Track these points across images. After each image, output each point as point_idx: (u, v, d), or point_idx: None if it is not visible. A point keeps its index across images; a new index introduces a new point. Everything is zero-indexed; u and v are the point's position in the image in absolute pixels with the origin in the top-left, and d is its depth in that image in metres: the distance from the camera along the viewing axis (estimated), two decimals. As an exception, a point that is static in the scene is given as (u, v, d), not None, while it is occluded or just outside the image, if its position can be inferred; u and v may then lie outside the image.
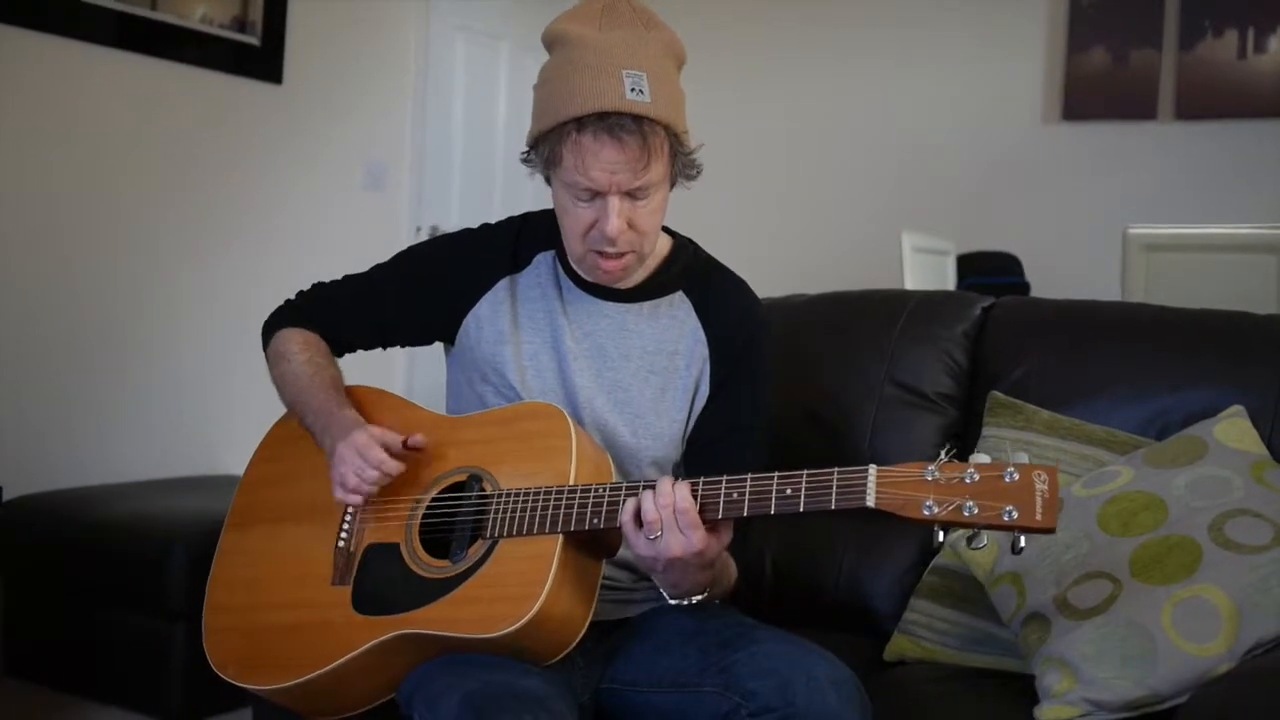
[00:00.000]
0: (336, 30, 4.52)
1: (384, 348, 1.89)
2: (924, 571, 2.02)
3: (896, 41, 5.47)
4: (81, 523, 3.11)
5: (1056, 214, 5.11)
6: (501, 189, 5.28)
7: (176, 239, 3.95)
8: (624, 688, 1.63)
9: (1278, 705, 1.50)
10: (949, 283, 4.46)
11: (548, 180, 1.67)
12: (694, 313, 1.75)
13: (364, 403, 1.77)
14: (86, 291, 3.70)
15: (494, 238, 1.81)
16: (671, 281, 1.76)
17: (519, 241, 1.79)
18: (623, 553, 1.62)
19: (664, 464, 1.73)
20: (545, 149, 1.61)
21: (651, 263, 1.74)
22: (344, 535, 1.65)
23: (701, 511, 1.44)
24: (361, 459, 1.59)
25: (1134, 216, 3.64)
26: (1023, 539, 1.32)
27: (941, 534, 1.35)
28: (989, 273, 4.81)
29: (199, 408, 4.02)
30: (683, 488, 1.45)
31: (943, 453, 1.37)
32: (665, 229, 1.76)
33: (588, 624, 1.55)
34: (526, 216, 1.83)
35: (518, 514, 1.54)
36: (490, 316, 1.75)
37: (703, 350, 1.74)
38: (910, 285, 3.89)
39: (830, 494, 1.38)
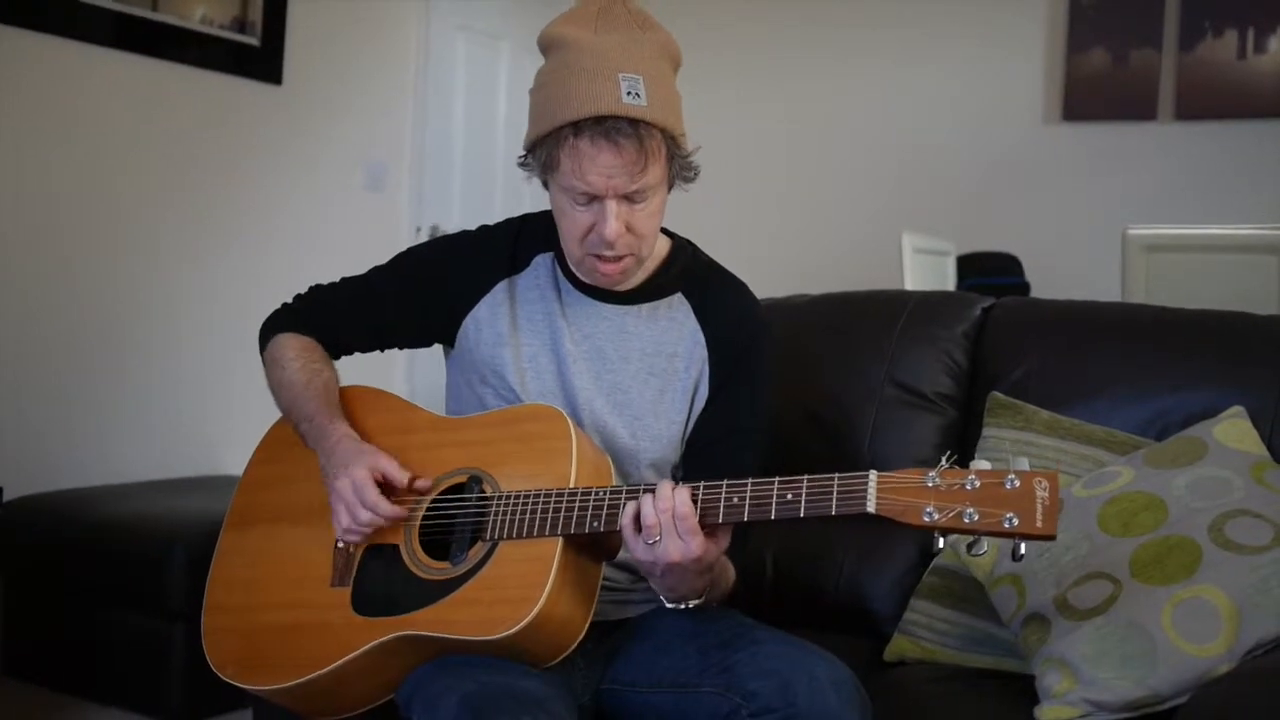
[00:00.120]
0: (336, 31, 4.52)
1: (382, 349, 1.89)
2: (924, 572, 2.02)
3: (896, 42, 5.47)
4: (82, 523, 3.10)
5: (1057, 214, 5.11)
6: (502, 189, 5.28)
7: (176, 239, 3.95)
8: (624, 688, 1.63)
9: (1278, 706, 1.50)
10: (949, 283, 4.46)
11: (545, 184, 1.66)
12: (693, 314, 1.75)
13: (363, 403, 1.77)
14: (86, 291, 3.70)
15: (492, 239, 1.81)
16: (670, 283, 1.76)
17: (517, 243, 1.79)
18: (622, 554, 1.62)
19: (663, 466, 1.73)
20: (542, 153, 1.60)
21: (650, 265, 1.74)
22: (343, 536, 1.65)
23: (702, 517, 1.44)
24: (358, 499, 1.58)
25: (1134, 217, 3.63)
26: (1023, 546, 1.32)
27: (941, 540, 1.34)
28: (989, 273, 4.81)
29: (199, 408, 4.02)
30: (682, 493, 1.45)
31: (944, 459, 1.37)
32: (664, 231, 1.76)
33: (587, 626, 1.55)
34: (525, 218, 1.83)
35: (518, 516, 1.54)
36: (489, 318, 1.75)
37: (702, 352, 1.73)
38: (910, 286, 3.89)
39: (831, 499, 1.38)
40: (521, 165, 1.67)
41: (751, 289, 1.82)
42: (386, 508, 1.58)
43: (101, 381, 3.74)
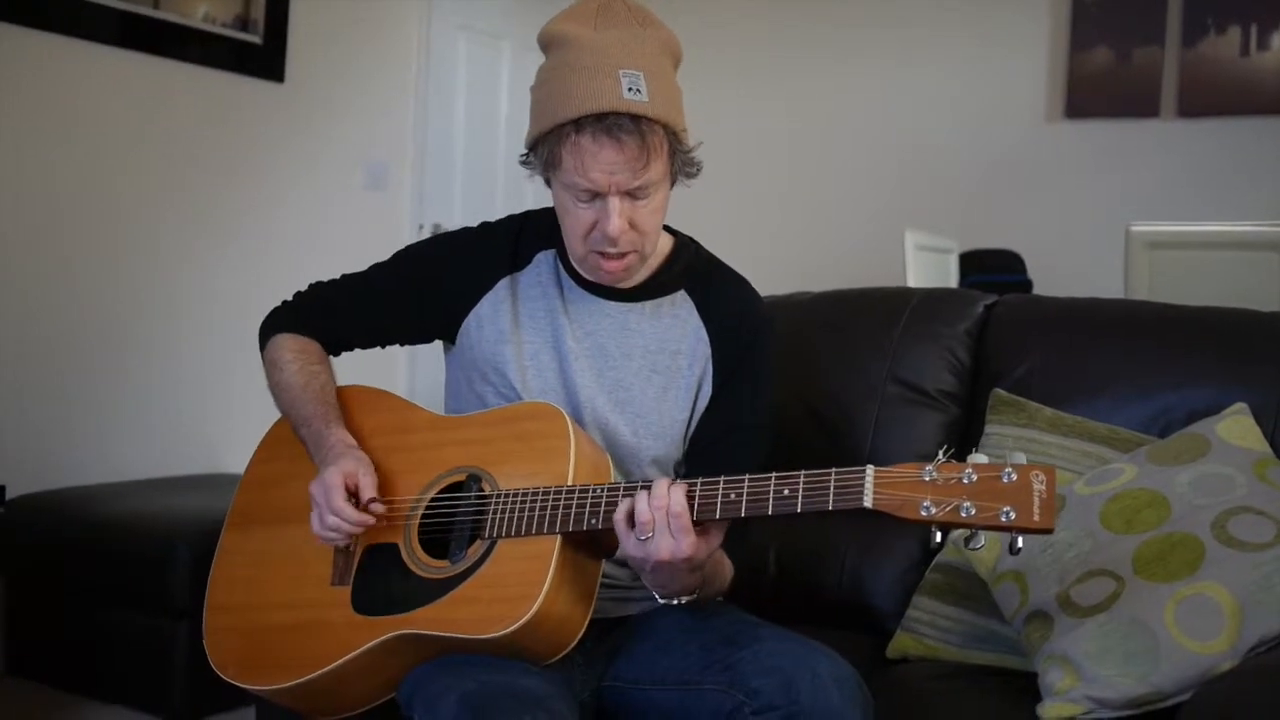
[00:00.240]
0: (338, 29, 4.52)
1: (382, 346, 1.88)
2: (926, 569, 2.02)
3: (899, 40, 5.47)
4: (83, 522, 3.10)
5: (1059, 212, 5.11)
6: (503, 188, 5.28)
7: (176, 239, 3.95)
8: (626, 686, 1.63)
9: (1281, 703, 1.50)
10: (952, 280, 4.45)
11: (547, 182, 1.66)
12: (696, 312, 1.75)
13: (362, 403, 1.77)
14: (86, 291, 3.70)
15: (494, 237, 1.80)
16: (673, 280, 1.76)
17: (519, 240, 1.78)
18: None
19: (665, 463, 1.73)
20: (544, 151, 1.60)
21: (653, 262, 1.74)
22: (343, 535, 1.64)
23: (699, 512, 1.44)
24: (325, 503, 1.59)
25: (1137, 214, 3.63)
26: (1020, 540, 1.32)
27: (939, 535, 1.34)
28: (992, 270, 4.80)
29: (199, 407, 4.02)
30: (677, 490, 1.44)
31: (940, 453, 1.36)
32: (666, 228, 1.76)
33: (586, 624, 1.55)
34: (527, 215, 1.83)
35: (516, 514, 1.54)
36: (491, 316, 1.75)
37: (705, 349, 1.73)
38: (913, 283, 3.89)
39: (828, 495, 1.38)
40: (523, 163, 1.67)
41: (754, 286, 1.82)
42: (351, 514, 1.58)
43: (102, 381, 3.74)
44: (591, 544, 1.56)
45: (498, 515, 1.55)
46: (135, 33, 3.76)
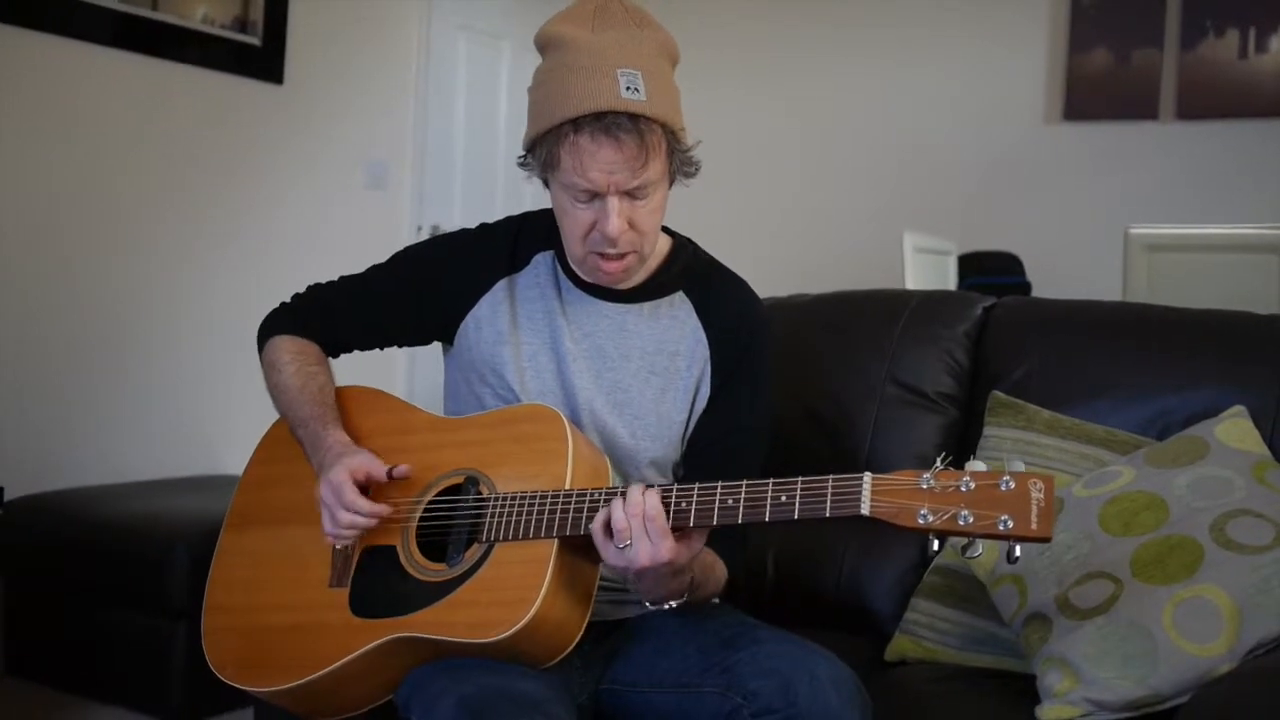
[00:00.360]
0: (338, 30, 4.52)
1: (381, 348, 1.88)
2: (925, 571, 2.02)
3: (898, 41, 5.47)
4: (82, 523, 3.10)
5: (1058, 214, 5.11)
6: (503, 189, 5.28)
7: (176, 240, 3.95)
8: (624, 688, 1.62)
9: (1279, 706, 1.50)
10: (950, 283, 4.45)
11: (546, 184, 1.66)
12: (694, 313, 1.74)
13: (361, 404, 1.77)
14: (86, 291, 3.70)
15: (492, 238, 1.80)
16: (672, 282, 1.75)
17: (517, 242, 1.78)
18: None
19: (663, 465, 1.73)
20: (542, 152, 1.60)
21: (652, 263, 1.74)
22: (342, 537, 1.64)
23: (696, 519, 1.43)
24: (337, 501, 1.58)
25: (1135, 216, 3.64)
26: (1018, 548, 1.31)
27: (937, 543, 1.34)
28: (990, 272, 4.81)
29: (199, 408, 4.02)
30: (652, 495, 1.44)
31: (939, 460, 1.36)
32: (665, 229, 1.75)
33: (584, 627, 1.55)
34: (525, 216, 1.82)
35: (514, 518, 1.53)
36: (489, 317, 1.75)
37: (703, 351, 1.73)
38: (911, 285, 3.89)
39: (825, 502, 1.38)
40: (521, 165, 1.66)
41: (753, 288, 1.82)
42: (365, 505, 1.57)
43: (101, 381, 3.74)
44: (589, 548, 1.56)
45: (495, 518, 1.55)
46: (134, 34, 3.76)
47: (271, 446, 1.82)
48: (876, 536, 2.09)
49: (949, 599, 1.94)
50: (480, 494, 1.59)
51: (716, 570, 1.64)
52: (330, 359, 1.85)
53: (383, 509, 1.59)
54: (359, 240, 4.49)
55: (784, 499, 1.40)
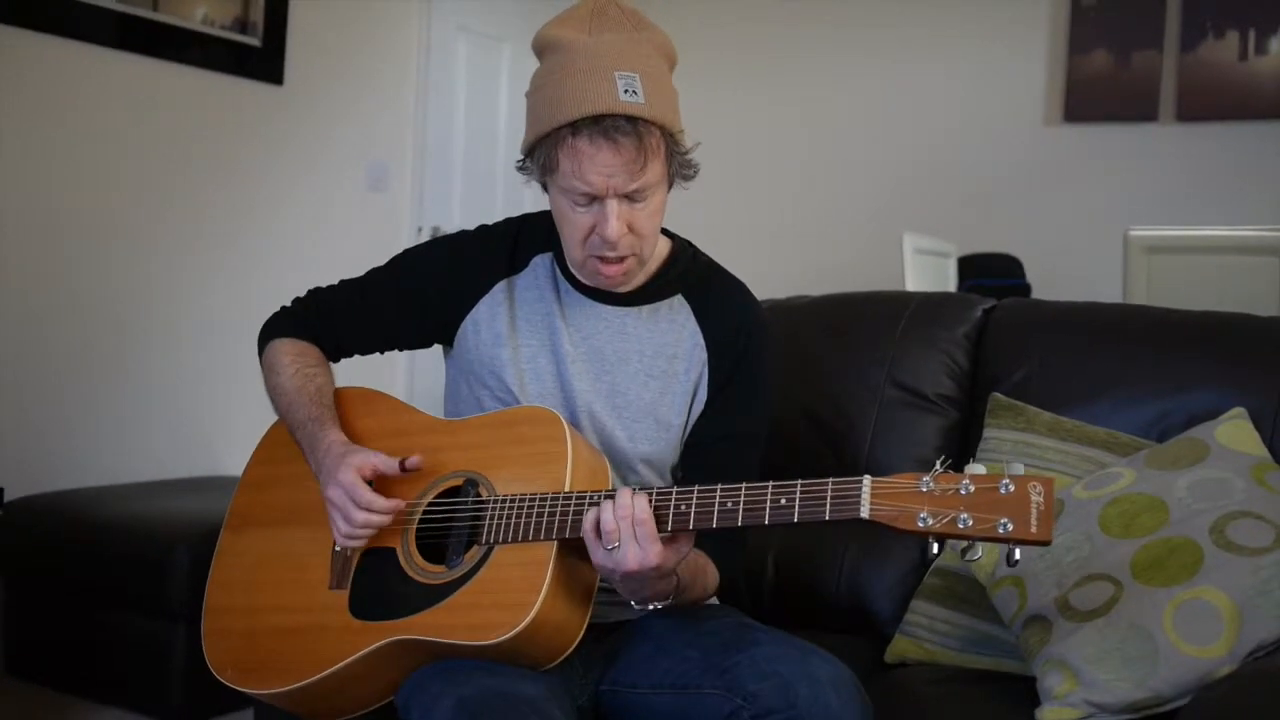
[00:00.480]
0: (338, 31, 4.52)
1: (382, 352, 1.88)
2: (925, 573, 2.02)
3: (898, 43, 5.47)
4: (82, 523, 3.10)
5: (1058, 216, 5.11)
6: (503, 190, 5.28)
7: (176, 241, 3.95)
8: (624, 690, 1.62)
9: (1278, 708, 1.50)
10: (950, 284, 4.46)
11: (544, 187, 1.65)
12: (693, 316, 1.74)
13: (360, 405, 1.77)
14: (86, 293, 3.69)
15: (491, 240, 1.80)
16: (670, 284, 1.75)
17: (517, 244, 1.78)
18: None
19: (661, 467, 1.73)
20: (541, 155, 1.59)
21: (651, 266, 1.74)
22: (341, 538, 1.64)
23: (696, 521, 1.43)
24: (351, 501, 1.57)
25: (1135, 218, 3.63)
26: (1018, 552, 1.31)
27: (936, 546, 1.34)
28: (990, 274, 4.81)
29: (199, 408, 4.02)
30: (641, 498, 1.43)
31: (938, 463, 1.36)
32: (664, 231, 1.75)
33: (584, 629, 1.55)
34: (525, 218, 1.82)
35: (513, 520, 1.53)
36: (488, 319, 1.75)
37: (702, 354, 1.73)
38: (911, 287, 3.89)
39: (825, 505, 1.37)
40: (520, 169, 1.66)
41: (752, 290, 1.82)
42: (382, 503, 1.57)
43: (101, 382, 3.74)
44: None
45: (494, 521, 1.55)
46: (134, 35, 3.76)
47: (271, 447, 1.82)
48: (876, 538, 2.09)
49: (949, 601, 1.94)
50: (480, 496, 1.59)
51: (706, 572, 1.63)
52: (331, 363, 1.85)
53: (398, 503, 1.58)
54: (359, 241, 4.49)
55: (784, 502, 1.40)
